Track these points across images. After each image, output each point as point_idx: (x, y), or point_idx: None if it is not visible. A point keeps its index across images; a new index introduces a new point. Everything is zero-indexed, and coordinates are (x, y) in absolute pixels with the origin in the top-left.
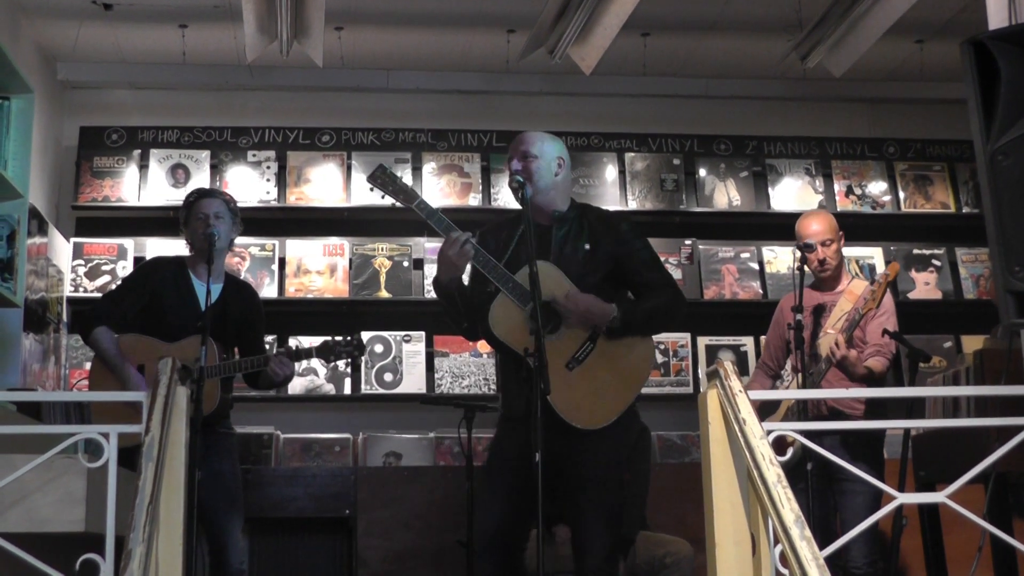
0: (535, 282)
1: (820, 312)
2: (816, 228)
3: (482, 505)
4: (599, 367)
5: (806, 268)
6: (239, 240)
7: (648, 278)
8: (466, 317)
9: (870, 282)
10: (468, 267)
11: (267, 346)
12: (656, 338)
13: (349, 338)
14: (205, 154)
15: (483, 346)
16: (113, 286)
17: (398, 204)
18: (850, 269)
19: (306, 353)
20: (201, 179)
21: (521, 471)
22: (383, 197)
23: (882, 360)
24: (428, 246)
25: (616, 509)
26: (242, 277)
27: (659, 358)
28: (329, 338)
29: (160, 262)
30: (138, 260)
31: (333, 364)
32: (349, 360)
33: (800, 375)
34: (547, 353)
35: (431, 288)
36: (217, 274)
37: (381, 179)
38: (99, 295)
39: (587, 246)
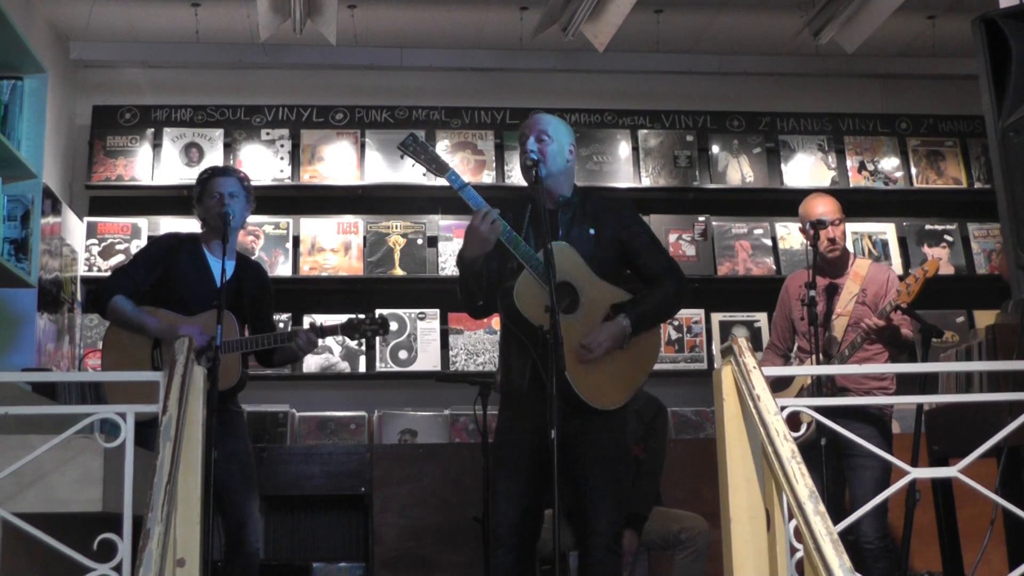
0: (549, 259)
1: (831, 293)
2: (823, 208)
3: (500, 495)
4: (614, 350)
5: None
6: (253, 218)
7: (650, 261)
8: (484, 295)
9: (902, 276)
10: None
11: (280, 324)
12: None
13: (374, 316)
14: (219, 132)
15: (498, 323)
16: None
17: (428, 173)
18: (862, 245)
19: (331, 330)
20: (215, 158)
21: (534, 454)
22: (413, 165)
23: (909, 331)
24: (442, 223)
25: (623, 488)
26: (256, 255)
27: (673, 334)
28: (354, 316)
29: (173, 238)
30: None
31: (357, 341)
32: (374, 337)
33: (813, 356)
34: (563, 332)
35: (445, 266)
36: (230, 252)
37: (413, 147)
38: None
39: (592, 231)
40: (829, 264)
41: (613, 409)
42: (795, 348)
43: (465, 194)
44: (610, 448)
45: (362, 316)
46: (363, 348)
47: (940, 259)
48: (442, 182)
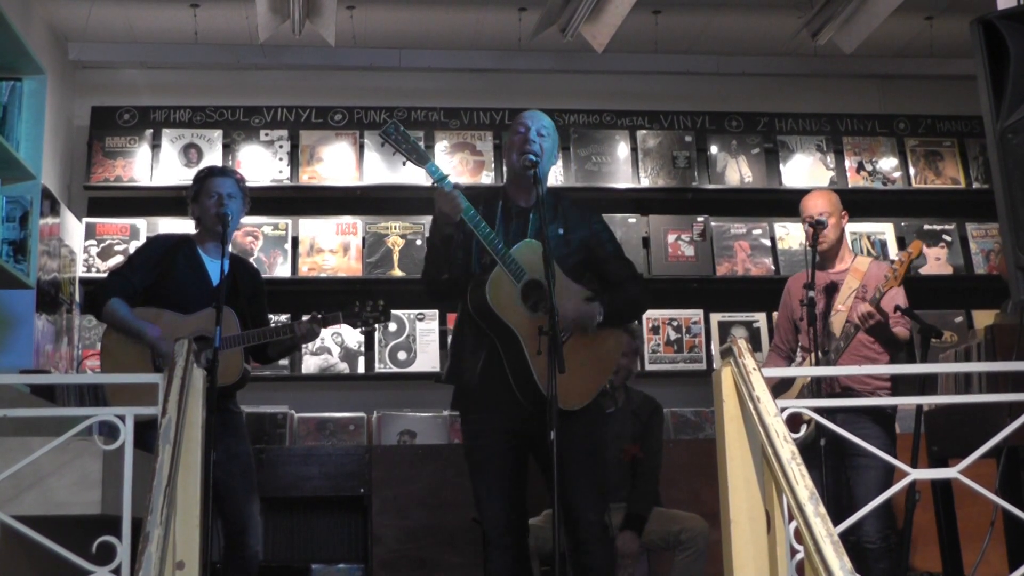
0: (548, 260)
1: (830, 291)
2: (814, 203)
3: (484, 500)
4: (578, 350)
5: (807, 245)
6: (252, 219)
7: (614, 268)
8: (449, 267)
9: (890, 262)
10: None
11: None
12: (669, 313)
13: (375, 302)
14: (217, 133)
15: None
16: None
17: (410, 163)
18: (861, 245)
19: (333, 319)
20: (213, 158)
21: (507, 453)
22: (393, 154)
23: (904, 330)
24: None
25: (600, 478)
26: (255, 256)
27: (672, 334)
28: (356, 302)
29: (167, 239)
30: None
31: (360, 329)
32: (375, 325)
33: (813, 355)
34: (529, 329)
35: None
36: (225, 251)
37: (394, 136)
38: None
39: (560, 231)
40: (824, 260)
41: (578, 408)
42: (798, 348)
43: (444, 186)
44: (584, 442)
45: (365, 303)
46: (362, 349)
47: (933, 250)
48: None
